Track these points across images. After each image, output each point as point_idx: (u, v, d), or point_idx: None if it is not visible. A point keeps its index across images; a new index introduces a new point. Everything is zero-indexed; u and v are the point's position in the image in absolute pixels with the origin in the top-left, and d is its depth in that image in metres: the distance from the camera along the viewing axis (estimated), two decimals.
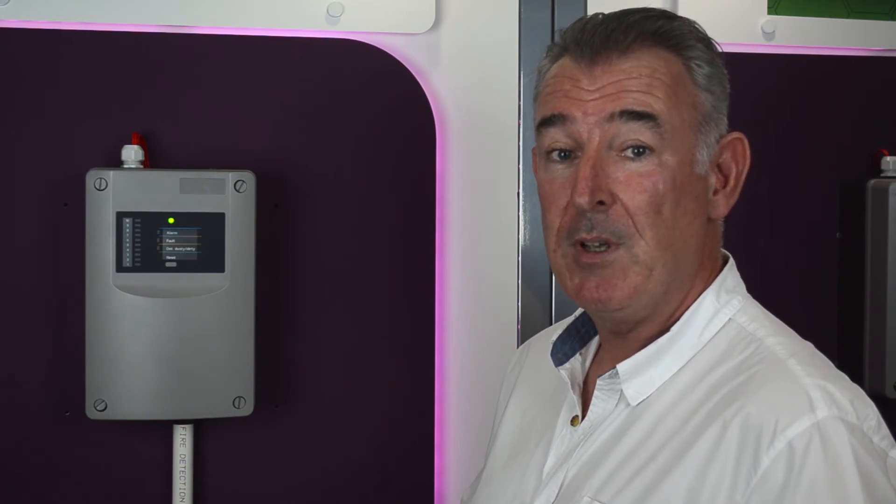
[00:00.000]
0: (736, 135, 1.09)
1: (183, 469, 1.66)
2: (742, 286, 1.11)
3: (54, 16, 1.65)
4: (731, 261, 1.12)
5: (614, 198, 1.02)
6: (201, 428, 1.70)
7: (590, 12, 1.79)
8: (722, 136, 1.08)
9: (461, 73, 1.81)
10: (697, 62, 1.05)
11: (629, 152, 1.02)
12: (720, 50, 1.09)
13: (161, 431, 1.67)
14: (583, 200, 1.01)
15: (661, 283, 1.04)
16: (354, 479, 1.77)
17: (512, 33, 1.82)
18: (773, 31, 1.90)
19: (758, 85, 1.87)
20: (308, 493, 1.76)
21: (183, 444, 1.66)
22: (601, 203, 1.02)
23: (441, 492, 1.81)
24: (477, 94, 1.81)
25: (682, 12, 1.79)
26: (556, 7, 1.83)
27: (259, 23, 1.72)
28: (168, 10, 1.68)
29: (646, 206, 1.01)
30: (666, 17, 1.06)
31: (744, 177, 1.09)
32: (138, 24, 1.69)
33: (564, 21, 1.78)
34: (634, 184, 1.02)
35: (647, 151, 1.02)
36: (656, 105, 1.02)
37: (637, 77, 1.02)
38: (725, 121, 1.09)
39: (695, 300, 1.07)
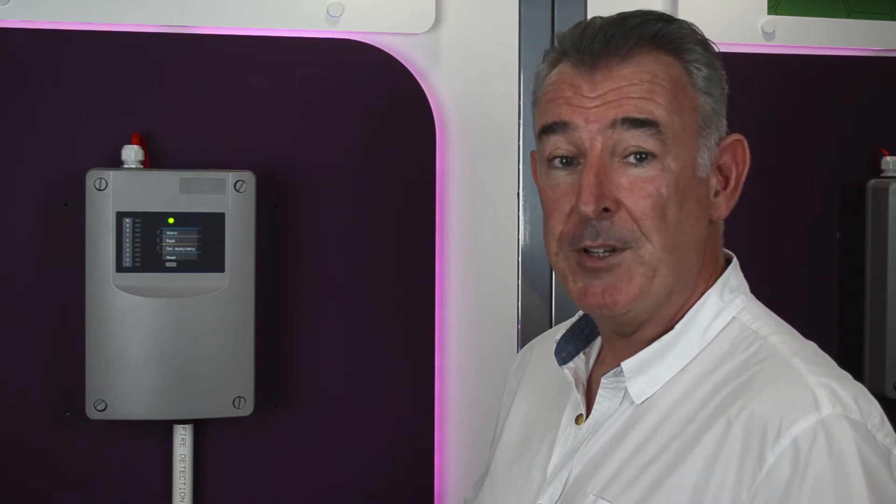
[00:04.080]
0: (736, 137, 1.09)
1: (183, 469, 1.66)
2: (745, 286, 1.11)
3: (55, 16, 1.65)
4: (735, 261, 1.13)
5: (619, 204, 1.02)
6: (201, 428, 1.70)
7: (590, 12, 1.80)
8: (722, 139, 1.08)
9: (461, 73, 1.81)
10: (696, 65, 1.05)
11: (631, 158, 1.02)
12: (718, 51, 1.09)
13: (161, 431, 1.67)
14: (588, 209, 1.01)
15: (665, 286, 1.04)
16: (354, 480, 1.77)
17: (512, 33, 1.82)
18: (773, 31, 1.89)
19: (758, 85, 1.87)
20: (308, 494, 1.76)
21: (183, 444, 1.66)
22: (606, 210, 1.02)
23: (441, 492, 1.81)
24: (477, 94, 1.81)
25: (682, 12, 1.82)
26: (556, 7, 1.83)
27: (259, 23, 1.72)
28: (169, 10, 1.68)
29: (650, 211, 1.02)
30: (664, 20, 1.06)
31: (744, 178, 1.10)
32: (139, 24, 1.69)
33: (564, 21, 1.79)
34: (638, 189, 1.02)
35: (650, 157, 1.02)
36: (657, 111, 1.02)
37: (638, 83, 1.02)
38: (724, 122, 1.09)
39: (697, 300, 1.08)
